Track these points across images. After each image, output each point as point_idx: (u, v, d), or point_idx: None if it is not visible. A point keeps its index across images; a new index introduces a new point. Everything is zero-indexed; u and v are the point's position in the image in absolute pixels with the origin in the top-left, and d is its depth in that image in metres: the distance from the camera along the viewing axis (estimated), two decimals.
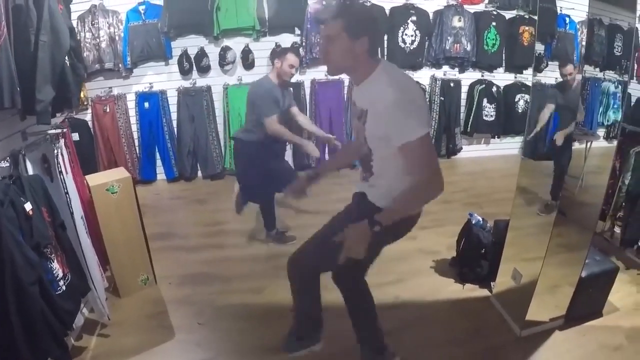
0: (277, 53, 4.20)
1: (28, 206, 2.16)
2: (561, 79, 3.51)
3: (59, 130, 2.89)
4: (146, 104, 5.84)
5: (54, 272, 2.32)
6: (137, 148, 6.03)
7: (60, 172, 2.66)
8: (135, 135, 5.99)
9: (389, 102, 1.83)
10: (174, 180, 6.18)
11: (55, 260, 2.34)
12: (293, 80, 5.93)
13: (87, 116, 5.69)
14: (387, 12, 6.27)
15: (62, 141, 2.86)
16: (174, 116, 6.03)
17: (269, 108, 3.68)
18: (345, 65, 1.96)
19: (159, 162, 6.16)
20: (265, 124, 3.70)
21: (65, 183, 2.69)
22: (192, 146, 6.07)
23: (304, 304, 2.69)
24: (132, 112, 5.92)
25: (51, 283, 2.28)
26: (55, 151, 2.67)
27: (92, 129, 5.69)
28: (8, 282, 2.00)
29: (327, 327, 2.79)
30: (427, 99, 6.70)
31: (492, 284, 3.45)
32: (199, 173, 6.31)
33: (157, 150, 6.10)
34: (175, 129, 6.07)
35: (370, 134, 2.00)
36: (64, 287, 2.38)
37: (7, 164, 2.36)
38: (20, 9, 2.27)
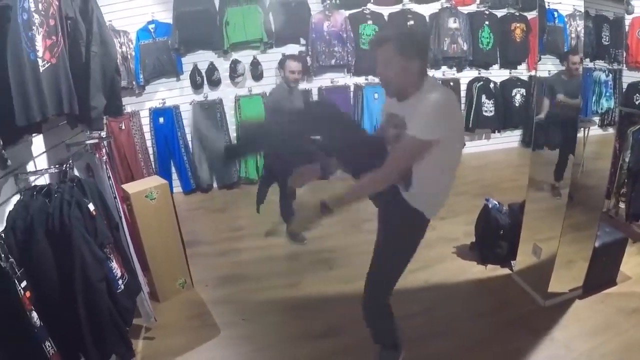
0: (279, 62, 4.45)
1: (91, 206, 2.26)
2: (562, 69, 3.67)
3: (96, 140, 2.99)
4: (161, 119, 5.95)
5: (114, 271, 2.42)
6: (153, 162, 6.13)
7: (109, 177, 2.78)
8: (151, 150, 6.10)
9: (426, 103, 1.95)
10: (191, 192, 6.28)
11: (114, 260, 2.44)
12: (300, 87, 6.16)
13: (102, 133, 5.76)
14: (386, 18, 6.46)
15: (104, 150, 2.98)
16: (188, 129, 6.15)
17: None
18: (401, 84, 2.06)
19: (174, 176, 6.25)
20: None
21: (113, 188, 2.80)
22: (207, 158, 6.18)
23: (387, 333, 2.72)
24: (146, 128, 6.03)
25: (112, 282, 2.38)
26: (105, 157, 2.78)
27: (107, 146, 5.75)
28: (77, 279, 2.10)
29: (344, 318, 3.12)
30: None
31: (512, 262, 3.66)
32: (215, 184, 6.42)
33: (172, 163, 6.21)
34: (190, 142, 6.19)
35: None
36: (122, 286, 2.48)
37: (59, 170, 2.48)
38: (69, 22, 2.40)
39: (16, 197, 2.19)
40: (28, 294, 1.74)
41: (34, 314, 1.73)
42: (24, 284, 1.74)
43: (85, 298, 2.13)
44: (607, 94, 4.44)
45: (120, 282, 2.47)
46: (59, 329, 1.99)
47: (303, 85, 6.31)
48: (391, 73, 2.03)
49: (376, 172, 2.02)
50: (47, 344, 1.77)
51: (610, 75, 4.22)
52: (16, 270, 1.71)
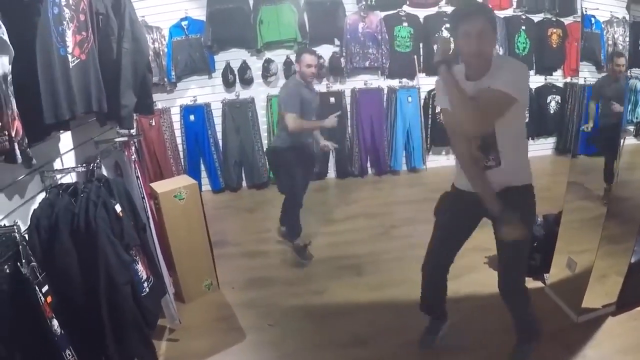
0: (296, 57, 4.20)
1: (118, 207, 2.20)
2: (605, 73, 3.64)
3: (126, 138, 2.95)
4: (191, 117, 5.94)
5: (139, 274, 2.36)
6: (182, 160, 6.13)
7: (138, 177, 2.73)
8: (180, 147, 6.09)
9: (509, 69, 2.11)
10: (220, 191, 6.25)
11: (139, 263, 2.39)
12: (334, 89, 6.09)
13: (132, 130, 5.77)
14: (422, 20, 6.34)
15: (133, 148, 2.93)
16: (218, 128, 6.12)
17: (291, 104, 3.77)
18: (488, 58, 2.15)
19: (203, 174, 6.23)
20: (285, 119, 3.79)
21: (141, 188, 2.75)
22: (238, 157, 6.16)
23: (433, 295, 2.81)
24: (177, 125, 6.03)
25: (137, 285, 2.33)
26: (134, 156, 2.73)
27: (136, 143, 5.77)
28: (102, 281, 2.04)
29: (372, 327, 3.11)
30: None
31: (545, 275, 3.52)
32: (244, 183, 6.38)
33: (202, 161, 6.19)
34: (221, 141, 6.17)
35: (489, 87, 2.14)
36: (147, 289, 2.42)
37: (87, 169, 2.43)
38: (101, 17, 2.35)
39: (41, 195, 2.14)
40: (49, 299, 1.68)
41: (55, 322, 1.67)
42: (45, 288, 1.67)
43: (109, 301, 2.07)
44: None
45: (145, 284, 2.42)
46: (80, 332, 1.94)
47: (336, 87, 6.26)
48: (486, 45, 2.12)
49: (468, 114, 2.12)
50: (68, 352, 1.71)
51: None
52: (37, 274, 1.65)
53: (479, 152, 2.32)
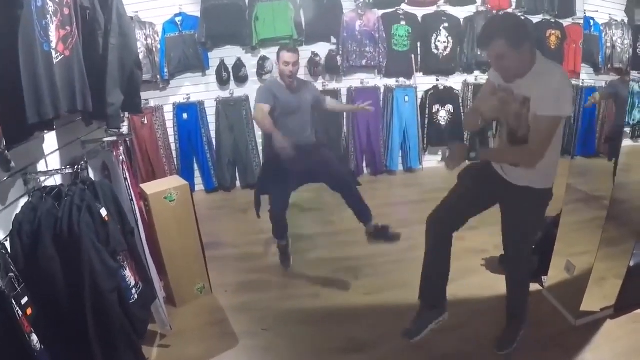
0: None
1: (104, 211, 2.11)
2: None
3: (114, 138, 2.84)
4: (185, 115, 5.83)
5: (127, 280, 2.27)
6: (175, 159, 6.02)
7: (126, 178, 2.63)
8: (173, 146, 5.98)
9: (551, 87, 2.14)
10: (213, 190, 6.14)
11: (127, 268, 2.29)
12: (330, 87, 6.00)
13: (124, 129, 5.66)
14: (420, 19, 6.26)
15: (122, 148, 2.83)
16: (212, 127, 6.01)
17: (262, 97, 3.60)
18: (519, 70, 2.21)
19: (196, 173, 6.13)
20: (254, 109, 3.70)
21: (130, 190, 2.65)
22: (232, 156, 6.05)
23: (435, 266, 2.77)
24: (169, 124, 5.91)
25: (125, 291, 2.23)
26: (121, 157, 2.64)
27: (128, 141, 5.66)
28: (87, 290, 1.95)
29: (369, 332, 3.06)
30: (461, 104, 6.67)
31: (543, 278, 3.49)
32: (238, 183, 6.28)
33: (195, 161, 6.08)
34: (214, 139, 6.06)
35: (533, 119, 2.20)
36: (136, 296, 2.33)
37: (71, 171, 2.33)
38: (87, 11, 2.24)
39: (25, 199, 2.04)
40: (29, 311, 1.59)
41: (34, 337, 1.58)
42: (24, 300, 1.58)
43: (95, 310, 1.98)
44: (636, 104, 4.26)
45: (133, 291, 2.32)
46: (65, 343, 1.85)
47: (332, 85, 6.17)
48: (509, 65, 2.19)
49: (526, 152, 2.25)
50: None
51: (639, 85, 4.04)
52: (16, 286, 1.55)
53: (513, 145, 2.44)
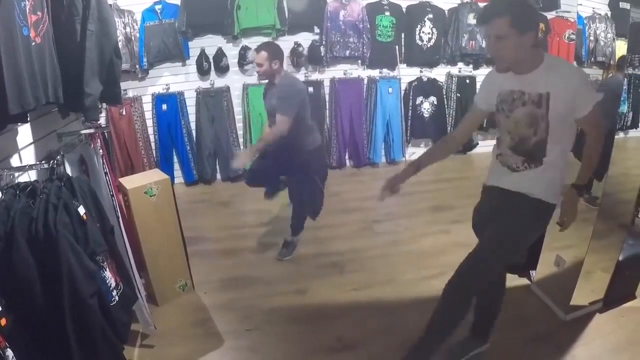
0: None
1: (82, 210, 1.98)
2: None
3: (92, 130, 2.71)
4: (164, 106, 5.67)
5: (107, 281, 2.14)
6: (154, 151, 5.87)
7: (106, 172, 2.50)
8: (152, 138, 5.83)
9: (573, 78, 2.01)
10: (193, 183, 6.03)
11: (107, 269, 2.16)
12: (312, 78, 5.91)
13: (101, 120, 5.50)
14: (404, 10, 6.21)
15: (99, 141, 2.70)
16: (192, 118, 5.88)
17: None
18: (517, 59, 2.04)
19: (176, 166, 6.01)
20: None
21: (110, 185, 2.52)
22: (212, 148, 5.93)
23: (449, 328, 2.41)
24: (148, 115, 5.77)
25: (105, 294, 2.10)
26: (101, 151, 2.51)
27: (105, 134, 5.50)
28: (66, 295, 1.82)
29: (357, 330, 3.01)
30: (444, 96, 6.68)
31: (531, 272, 3.48)
32: (218, 175, 6.17)
33: (174, 153, 5.95)
34: (194, 131, 5.93)
35: (554, 117, 2.05)
36: (117, 298, 2.19)
37: (47, 166, 2.20)
38: None
39: None
40: (3, 321, 1.47)
41: (9, 352, 1.45)
42: None
43: (74, 316, 1.85)
44: (622, 98, 4.30)
45: (114, 292, 2.18)
46: (43, 352, 1.73)
47: (315, 76, 6.08)
48: (507, 49, 1.99)
49: (596, 140, 2.16)
50: None
51: (626, 79, 4.09)
52: None
53: (520, 156, 2.26)
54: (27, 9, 1.80)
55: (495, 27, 1.95)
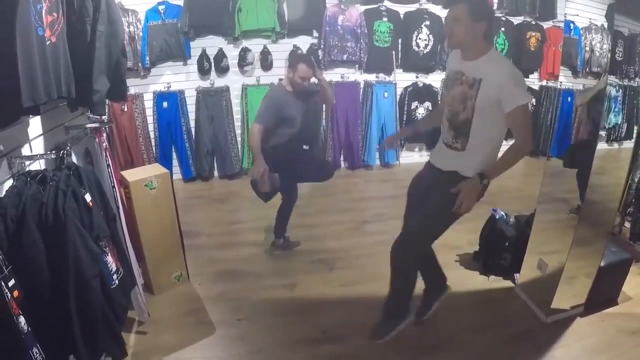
0: (290, 63, 3.93)
1: (88, 197, 2.13)
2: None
3: (97, 124, 2.84)
4: (165, 104, 5.81)
5: (109, 265, 2.28)
6: (153, 147, 6.00)
7: (109, 165, 2.64)
8: (152, 134, 5.96)
9: (505, 73, 2.30)
10: (191, 179, 6.15)
11: (109, 254, 2.31)
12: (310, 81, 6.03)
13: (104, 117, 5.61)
14: (402, 16, 6.33)
15: (104, 135, 2.84)
16: (191, 116, 6.01)
17: (262, 115, 3.61)
18: (465, 41, 2.38)
19: (174, 162, 6.13)
20: (250, 126, 3.73)
21: (112, 177, 2.67)
22: (210, 146, 6.06)
23: (403, 286, 2.85)
24: (149, 112, 5.90)
25: (107, 277, 2.25)
26: (104, 144, 2.65)
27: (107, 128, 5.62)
28: (70, 275, 1.97)
29: (343, 324, 3.14)
30: (439, 101, 6.74)
31: (515, 275, 3.59)
32: (215, 173, 6.30)
33: (173, 149, 6.08)
34: (194, 129, 6.06)
35: (481, 101, 2.36)
36: (117, 282, 2.34)
37: (56, 156, 2.34)
38: None
39: (8, 183, 2.05)
40: (16, 293, 1.61)
41: (22, 319, 1.60)
42: (11, 282, 1.60)
43: (78, 295, 2.00)
44: (616, 109, 4.39)
45: (115, 277, 2.33)
46: (47, 327, 1.87)
47: (312, 79, 6.18)
48: (459, 30, 2.33)
49: (518, 147, 2.41)
50: (35, 350, 1.64)
51: (621, 91, 4.18)
52: (3, 268, 1.58)
53: (451, 131, 2.57)
54: (44, 11, 1.95)
55: (454, 10, 2.32)
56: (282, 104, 3.62)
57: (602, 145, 3.55)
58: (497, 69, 2.32)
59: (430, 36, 6.39)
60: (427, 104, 6.64)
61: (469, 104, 2.41)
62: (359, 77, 6.49)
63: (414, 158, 6.85)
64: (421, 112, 6.62)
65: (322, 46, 6.09)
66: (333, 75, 6.33)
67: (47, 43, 2.00)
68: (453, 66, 2.55)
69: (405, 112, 6.59)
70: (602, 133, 3.67)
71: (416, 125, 3.04)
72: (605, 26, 3.47)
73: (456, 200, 2.30)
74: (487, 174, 2.33)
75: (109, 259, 2.30)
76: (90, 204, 2.13)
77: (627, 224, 4.29)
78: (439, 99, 6.72)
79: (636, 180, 4.08)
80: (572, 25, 3.87)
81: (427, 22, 6.34)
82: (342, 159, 6.71)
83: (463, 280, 3.64)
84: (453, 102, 2.52)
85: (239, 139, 6.15)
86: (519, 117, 2.33)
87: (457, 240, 4.17)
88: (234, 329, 3.10)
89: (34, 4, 1.85)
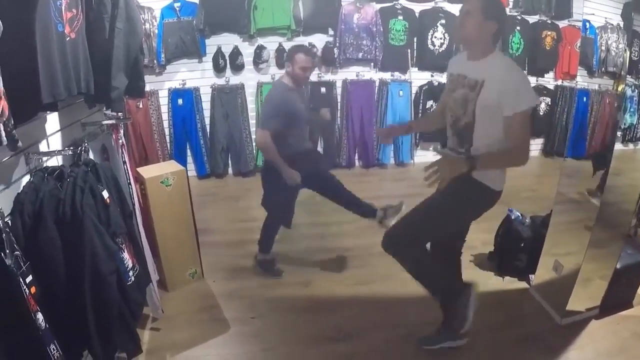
0: (287, 56, 3.46)
1: (105, 194, 2.13)
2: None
3: (113, 121, 2.85)
4: (180, 101, 5.84)
5: (125, 262, 2.28)
6: (168, 144, 6.04)
7: (125, 162, 2.65)
8: (167, 131, 6.00)
9: (508, 76, 2.23)
10: (205, 176, 6.18)
11: (125, 251, 2.31)
12: (325, 79, 6.03)
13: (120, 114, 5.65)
14: (417, 14, 6.30)
15: (122, 132, 2.85)
16: (206, 113, 6.03)
17: (267, 120, 3.32)
18: (472, 37, 2.32)
19: (189, 159, 6.16)
20: (257, 133, 3.64)
21: (128, 173, 2.67)
22: (225, 143, 6.08)
23: (424, 278, 2.74)
24: (164, 109, 5.93)
25: (123, 274, 2.25)
26: (121, 140, 2.65)
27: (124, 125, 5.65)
28: (87, 271, 1.97)
29: (357, 322, 3.11)
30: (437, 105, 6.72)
31: (530, 276, 3.54)
32: (230, 170, 6.32)
33: (188, 146, 6.11)
34: (208, 126, 6.08)
35: (482, 103, 2.28)
36: (133, 278, 2.34)
37: (71, 153, 2.35)
38: None
39: (26, 179, 2.05)
40: (33, 289, 1.61)
41: (39, 315, 1.60)
42: (29, 279, 1.60)
43: (94, 291, 2.00)
44: (632, 109, 4.33)
45: (130, 273, 2.33)
46: (63, 323, 1.87)
47: (328, 77, 6.19)
48: (469, 25, 2.29)
49: (512, 155, 2.29)
50: (52, 347, 1.64)
51: (637, 91, 4.12)
52: (21, 264, 1.58)
53: (455, 137, 2.53)
54: (63, 7, 1.95)
55: (468, 3, 2.30)
56: (284, 105, 3.31)
57: (617, 146, 3.52)
58: (500, 71, 2.25)
59: (446, 35, 6.34)
60: None
61: (469, 108, 2.36)
62: (374, 75, 6.46)
63: (429, 157, 6.79)
64: None
65: (337, 44, 6.08)
66: (348, 73, 6.34)
67: (67, 39, 2.00)
68: (455, 69, 2.52)
69: (420, 111, 6.54)
70: (619, 134, 3.64)
71: (408, 128, 2.98)
72: (622, 25, 3.42)
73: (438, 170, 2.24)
74: (475, 165, 2.20)
75: (125, 255, 2.30)
76: (108, 200, 2.14)
77: None
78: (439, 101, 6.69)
79: None
80: (587, 24, 3.81)
81: (443, 21, 6.29)
82: (356, 157, 6.69)
83: (478, 280, 3.59)
84: (454, 106, 2.47)
85: (253, 136, 6.13)
86: (514, 125, 2.21)
87: (471, 241, 4.09)
88: (248, 326, 3.10)
89: (54, 1, 1.85)
